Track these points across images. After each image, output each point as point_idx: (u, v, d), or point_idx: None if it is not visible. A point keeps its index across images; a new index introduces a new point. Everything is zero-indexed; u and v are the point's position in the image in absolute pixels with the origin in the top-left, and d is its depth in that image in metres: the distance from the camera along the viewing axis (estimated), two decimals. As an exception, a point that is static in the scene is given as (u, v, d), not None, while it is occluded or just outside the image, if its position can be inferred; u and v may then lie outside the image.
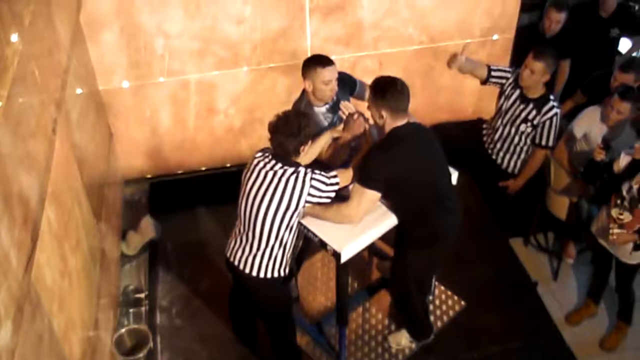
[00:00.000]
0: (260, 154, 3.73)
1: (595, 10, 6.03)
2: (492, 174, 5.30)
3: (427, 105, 5.75)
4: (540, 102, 4.83)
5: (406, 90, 3.66)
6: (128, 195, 5.53)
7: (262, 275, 3.84)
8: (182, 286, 5.04)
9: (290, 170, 3.60)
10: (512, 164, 5.22)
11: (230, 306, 4.48)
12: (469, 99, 5.95)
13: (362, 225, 3.96)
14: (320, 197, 3.67)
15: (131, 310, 4.57)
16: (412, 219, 3.95)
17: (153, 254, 5.11)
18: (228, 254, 3.94)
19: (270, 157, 3.67)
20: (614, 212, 4.43)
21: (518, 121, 4.94)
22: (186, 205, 5.65)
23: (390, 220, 4.06)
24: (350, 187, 3.80)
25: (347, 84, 4.32)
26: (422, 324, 4.51)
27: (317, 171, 3.66)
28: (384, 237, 4.15)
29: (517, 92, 4.91)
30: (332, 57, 5.02)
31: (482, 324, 4.74)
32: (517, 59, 5.68)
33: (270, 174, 3.62)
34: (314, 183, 3.62)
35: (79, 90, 4.26)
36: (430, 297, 4.81)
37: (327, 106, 4.23)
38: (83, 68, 4.56)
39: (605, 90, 5.03)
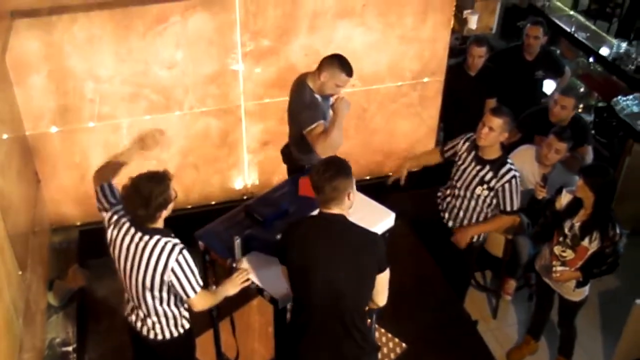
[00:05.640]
0: (116, 217, 3.51)
1: (520, 54, 6.23)
2: (445, 241, 4.91)
3: (362, 147, 5.78)
4: (496, 165, 4.56)
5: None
6: (56, 243, 5.34)
7: (166, 336, 3.70)
8: (113, 338, 4.85)
9: (155, 239, 3.40)
10: None
11: None
12: (403, 140, 6.00)
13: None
14: (181, 278, 3.43)
15: (58, 364, 4.37)
16: None
17: (82, 304, 4.92)
18: (129, 320, 3.76)
19: (129, 224, 3.46)
20: (557, 250, 4.50)
21: (474, 184, 4.65)
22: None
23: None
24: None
25: None
26: None
27: (186, 253, 3.43)
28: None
29: (472, 154, 4.65)
30: (266, 101, 5.10)
31: (425, 365, 4.71)
32: (445, 100, 5.82)
33: (134, 245, 3.43)
34: (180, 259, 3.40)
35: (4, 136, 4.13)
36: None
37: (321, 97, 4.42)
38: (8, 112, 4.43)
39: (539, 126, 5.13)
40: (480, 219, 4.75)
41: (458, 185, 4.74)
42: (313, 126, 4.27)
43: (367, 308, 3.57)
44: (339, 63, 4.27)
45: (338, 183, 3.17)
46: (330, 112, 4.39)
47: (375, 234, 3.38)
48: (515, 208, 4.62)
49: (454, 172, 4.78)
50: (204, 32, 4.88)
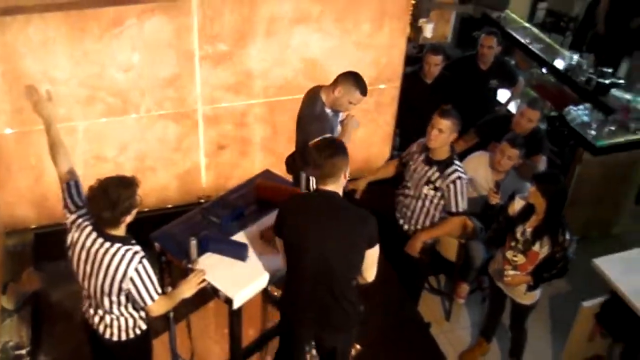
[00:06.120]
0: (80, 220, 3.52)
1: (474, 63, 6.35)
2: (398, 240, 4.96)
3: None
4: (443, 165, 4.62)
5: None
6: (10, 246, 5.27)
7: (123, 337, 3.70)
8: (68, 341, 4.80)
9: (116, 246, 3.40)
10: (417, 229, 4.94)
11: None
12: (359, 145, 6.05)
13: (255, 270, 3.94)
14: (139, 286, 3.46)
15: (11, 368, 4.32)
16: None
17: (37, 308, 4.87)
18: (86, 316, 3.76)
19: (91, 228, 3.46)
20: (509, 254, 4.58)
21: (421, 184, 4.72)
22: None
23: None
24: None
25: None
26: None
27: (145, 262, 3.46)
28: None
29: (423, 155, 4.72)
30: (223, 105, 5.12)
31: (378, 367, 4.75)
32: (402, 107, 5.91)
33: (94, 250, 3.43)
34: (139, 268, 3.42)
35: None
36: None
37: (332, 111, 4.45)
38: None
39: (497, 133, 5.24)
40: (428, 220, 4.81)
41: (409, 185, 4.82)
42: (319, 139, 4.16)
43: (355, 283, 3.73)
44: (354, 80, 4.32)
45: (337, 160, 3.44)
46: (339, 128, 4.44)
47: (366, 212, 3.57)
48: (461, 209, 4.68)
49: (406, 173, 4.88)
50: (161, 36, 4.89)
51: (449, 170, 4.59)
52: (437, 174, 4.63)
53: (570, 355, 5.11)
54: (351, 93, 4.31)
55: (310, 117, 4.40)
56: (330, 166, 3.43)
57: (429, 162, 4.66)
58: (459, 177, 4.59)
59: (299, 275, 3.67)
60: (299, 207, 3.62)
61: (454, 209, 4.67)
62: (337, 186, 3.51)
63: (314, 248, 3.51)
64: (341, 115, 4.51)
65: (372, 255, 3.60)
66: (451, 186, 4.58)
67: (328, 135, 4.26)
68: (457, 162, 4.66)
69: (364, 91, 4.36)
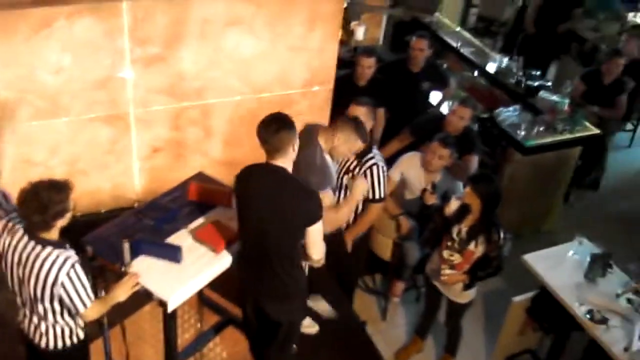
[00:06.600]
0: (11, 224, 3.48)
1: (406, 66, 6.44)
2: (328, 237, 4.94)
3: (253, 153, 5.77)
4: (361, 154, 4.72)
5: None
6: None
7: (59, 346, 3.65)
8: (1, 349, 4.69)
9: (47, 251, 3.37)
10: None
11: None
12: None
13: (189, 271, 3.93)
14: (71, 292, 3.42)
15: None
16: None
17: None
18: (21, 326, 3.70)
19: (23, 231, 3.43)
20: (445, 254, 4.66)
21: (341, 172, 4.83)
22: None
23: (219, 266, 4.06)
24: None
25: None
26: None
27: (78, 268, 3.43)
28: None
29: None
30: (156, 108, 5.08)
31: (314, 366, 4.76)
32: (335, 110, 5.94)
33: (25, 254, 3.38)
34: (71, 274, 3.39)
35: None
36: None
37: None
38: None
39: (432, 133, 5.30)
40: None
41: None
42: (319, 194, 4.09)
43: (299, 259, 3.89)
44: (354, 128, 4.22)
45: (283, 135, 3.56)
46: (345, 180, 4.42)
47: (310, 190, 3.74)
48: (380, 196, 4.76)
49: None
50: (91, 38, 4.80)
51: (366, 158, 4.69)
52: (355, 163, 4.72)
53: (503, 349, 5.23)
54: (351, 141, 4.23)
55: (310, 167, 4.23)
56: (277, 141, 3.57)
57: None
58: (376, 164, 4.68)
59: (244, 244, 3.93)
60: (248, 178, 3.76)
61: (370, 196, 4.75)
62: (285, 160, 3.65)
63: (255, 220, 3.71)
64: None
65: (314, 233, 3.71)
66: (368, 173, 4.66)
67: (329, 190, 4.29)
68: (374, 150, 4.78)
69: (365, 139, 4.29)
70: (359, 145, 4.30)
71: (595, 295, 4.64)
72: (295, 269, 3.88)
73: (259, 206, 3.67)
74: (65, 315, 3.58)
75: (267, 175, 3.69)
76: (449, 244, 4.64)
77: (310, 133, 4.34)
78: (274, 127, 3.58)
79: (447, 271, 4.68)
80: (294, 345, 4.41)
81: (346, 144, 4.24)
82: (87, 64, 4.89)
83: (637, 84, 7.21)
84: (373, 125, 4.81)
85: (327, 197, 4.21)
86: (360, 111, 4.63)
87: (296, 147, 3.68)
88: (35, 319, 3.61)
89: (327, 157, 4.31)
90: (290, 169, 3.71)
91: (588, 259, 4.81)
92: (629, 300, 4.62)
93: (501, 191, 4.51)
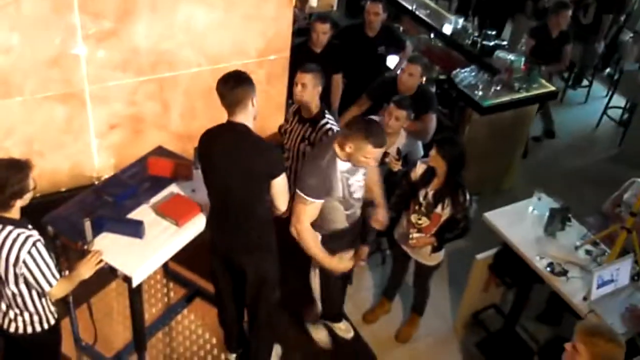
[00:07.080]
0: None
1: (362, 30, 6.43)
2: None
3: (210, 124, 5.79)
4: (315, 120, 4.72)
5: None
6: None
7: (29, 330, 3.65)
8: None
9: (7, 230, 3.36)
10: None
11: None
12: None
13: (152, 246, 3.93)
14: (34, 271, 3.41)
15: None
16: None
17: None
18: None
19: None
20: (413, 218, 4.71)
21: (297, 142, 4.81)
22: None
23: (182, 239, 4.07)
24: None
25: None
26: None
27: (40, 246, 3.43)
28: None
29: (296, 117, 4.84)
30: (111, 84, 5.02)
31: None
32: (293, 77, 5.93)
33: None
34: (33, 252, 3.38)
35: None
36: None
37: (349, 166, 4.07)
38: None
39: (388, 96, 5.30)
40: None
41: (287, 147, 4.93)
42: (307, 200, 4.00)
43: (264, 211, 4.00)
44: (365, 134, 3.88)
45: (240, 90, 3.71)
46: (352, 187, 4.16)
47: (269, 144, 3.96)
48: None
49: (285, 141, 4.97)
50: (40, 15, 4.70)
51: (321, 123, 4.71)
52: (309, 129, 4.74)
53: (468, 306, 5.32)
54: (362, 148, 3.89)
55: (312, 169, 4.04)
56: (235, 96, 3.71)
57: (302, 120, 4.80)
58: (331, 129, 4.68)
59: (212, 201, 4.07)
60: (209, 137, 3.91)
61: None
62: (245, 117, 3.78)
63: (219, 177, 3.87)
64: (361, 174, 4.20)
65: (279, 185, 3.85)
66: (324, 138, 4.63)
67: (318, 202, 4.05)
68: (328, 115, 4.78)
69: (377, 143, 3.91)
70: (370, 150, 3.91)
71: (555, 249, 4.72)
72: (262, 224, 4.03)
73: (221, 163, 3.80)
74: (36, 299, 3.57)
75: (227, 132, 3.81)
76: (417, 207, 4.68)
77: (329, 140, 4.21)
78: (232, 83, 3.73)
79: (416, 234, 4.72)
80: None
81: (358, 151, 3.91)
82: (38, 42, 4.80)
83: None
84: (320, 90, 4.69)
85: (312, 207, 4.04)
86: (307, 78, 4.59)
87: (255, 103, 3.80)
88: (3, 306, 3.60)
89: (342, 166, 4.06)
90: (251, 124, 3.82)
91: (547, 213, 4.89)
92: (587, 252, 4.72)
93: (465, 153, 4.54)
